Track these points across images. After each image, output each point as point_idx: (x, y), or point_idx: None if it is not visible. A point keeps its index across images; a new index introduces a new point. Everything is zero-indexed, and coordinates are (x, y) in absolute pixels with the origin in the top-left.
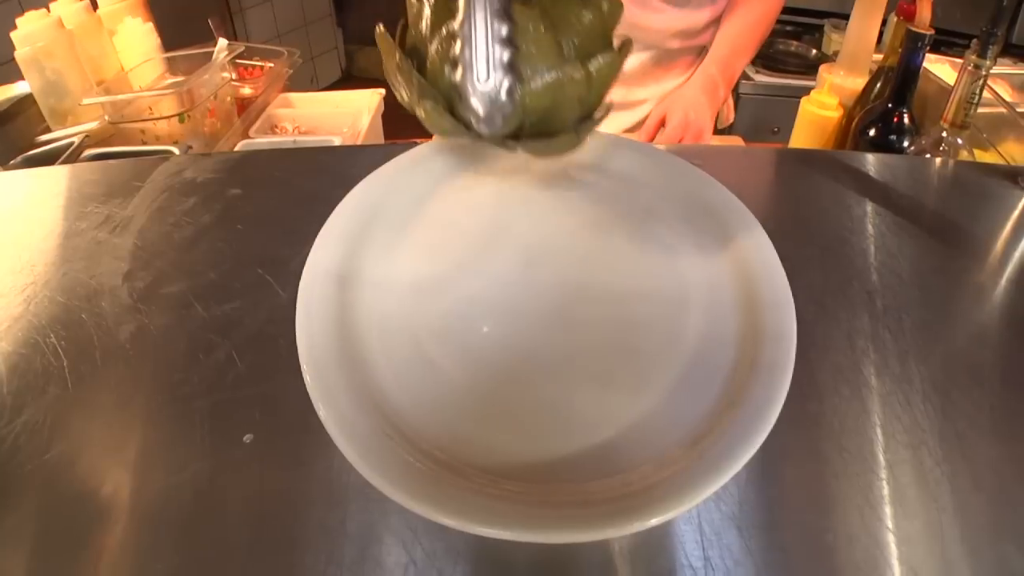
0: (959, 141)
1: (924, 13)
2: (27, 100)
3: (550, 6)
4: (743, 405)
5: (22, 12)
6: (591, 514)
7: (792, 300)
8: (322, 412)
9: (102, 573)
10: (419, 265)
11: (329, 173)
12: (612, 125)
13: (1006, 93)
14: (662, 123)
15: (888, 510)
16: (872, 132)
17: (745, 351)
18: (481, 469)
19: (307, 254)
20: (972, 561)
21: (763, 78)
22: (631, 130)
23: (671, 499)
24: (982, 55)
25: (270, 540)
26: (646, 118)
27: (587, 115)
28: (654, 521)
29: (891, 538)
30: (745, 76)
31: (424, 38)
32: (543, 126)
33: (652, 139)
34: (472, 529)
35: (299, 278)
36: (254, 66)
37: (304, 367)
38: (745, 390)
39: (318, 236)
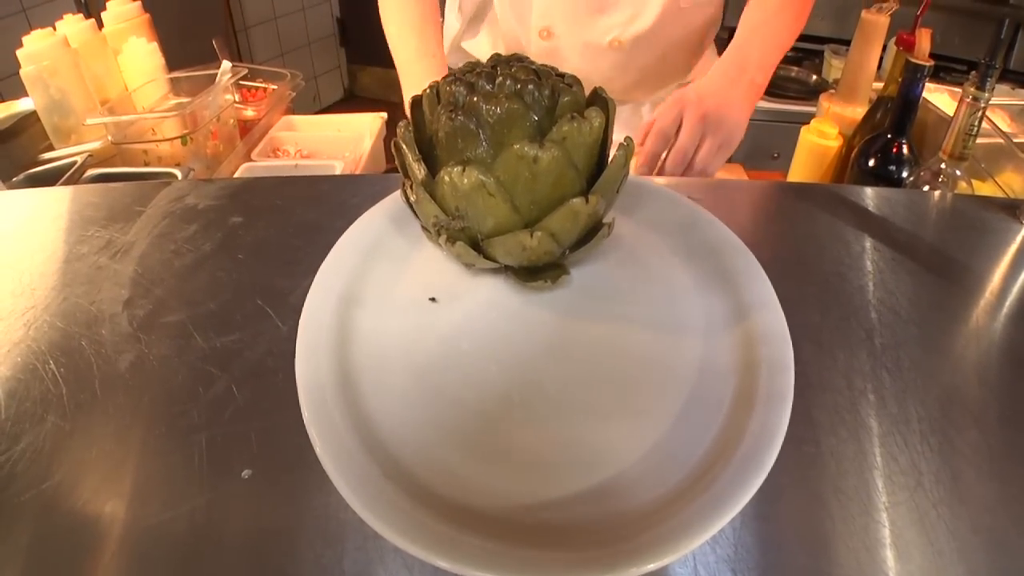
0: (958, 172)
1: (923, 44)
2: (31, 117)
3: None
4: (740, 447)
5: (28, 30)
6: (588, 558)
7: (789, 338)
8: (319, 449)
9: None
10: (419, 300)
11: (329, 202)
12: None
13: (1004, 123)
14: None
15: (885, 553)
16: (871, 162)
17: (742, 389)
18: (478, 510)
19: (307, 286)
20: None
21: (763, 104)
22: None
23: (668, 544)
24: (981, 87)
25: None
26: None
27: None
28: (651, 566)
29: None
30: None
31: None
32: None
33: (654, 154)
34: (467, 572)
35: (299, 311)
36: (257, 88)
37: (303, 403)
38: (742, 430)
39: (319, 271)
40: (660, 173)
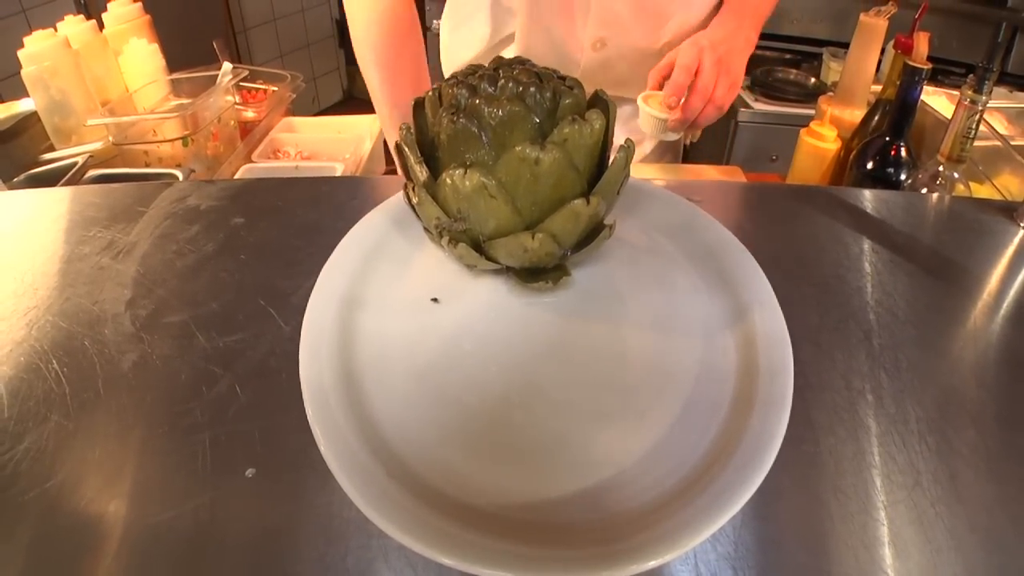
0: (955, 175)
1: (921, 48)
2: (32, 118)
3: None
4: (740, 447)
5: (28, 31)
6: (589, 556)
7: (788, 339)
8: (324, 448)
9: None
10: (421, 300)
11: (330, 204)
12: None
13: (1001, 125)
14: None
15: (883, 551)
16: (869, 165)
17: (742, 390)
18: (481, 508)
19: (309, 287)
20: None
21: (761, 106)
22: None
23: (668, 543)
24: (978, 90)
25: (270, 573)
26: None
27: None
28: (652, 564)
29: None
30: (744, 104)
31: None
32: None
33: (681, 86)
34: (470, 569)
35: (301, 312)
36: (257, 90)
37: (307, 403)
38: (742, 430)
39: (322, 272)
40: (685, 110)
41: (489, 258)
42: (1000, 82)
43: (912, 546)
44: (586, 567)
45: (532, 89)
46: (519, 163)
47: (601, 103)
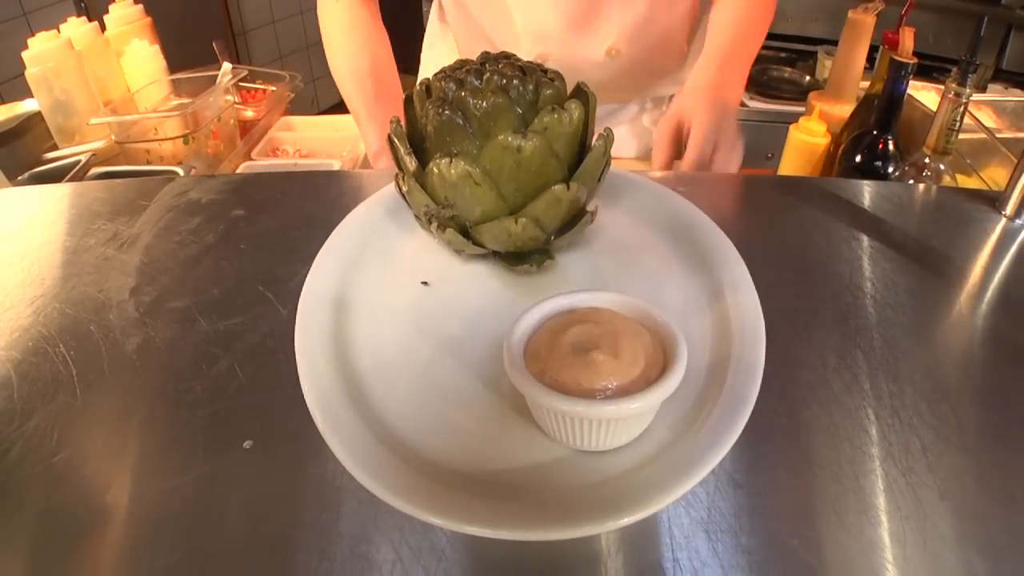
0: (941, 167)
1: (907, 43)
2: (35, 118)
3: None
4: (712, 415)
5: (30, 33)
6: (566, 514)
7: (764, 337)
8: (317, 417)
9: (107, 569)
10: (412, 283)
11: (327, 197)
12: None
13: (991, 119)
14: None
15: (854, 518)
16: (858, 158)
17: (716, 367)
18: (466, 473)
19: (306, 274)
20: (934, 567)
21: (757, 104)
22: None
23: (642, 502)
24: (962, 83)
25: (267, 538)
26: None
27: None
28: (625, 521)
29: (855, 544)
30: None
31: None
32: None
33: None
34: (453, 526)
35: (298, 296)
36: (257, 89)
37: (302, 378)
38: (714, 401)
39: (316, 258)
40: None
41: (476, 243)
42: (996, 79)
43: (882, 513)
44: (563, 523)
45: (515, 82)
46: (502, 151)
47: (581, 95)
